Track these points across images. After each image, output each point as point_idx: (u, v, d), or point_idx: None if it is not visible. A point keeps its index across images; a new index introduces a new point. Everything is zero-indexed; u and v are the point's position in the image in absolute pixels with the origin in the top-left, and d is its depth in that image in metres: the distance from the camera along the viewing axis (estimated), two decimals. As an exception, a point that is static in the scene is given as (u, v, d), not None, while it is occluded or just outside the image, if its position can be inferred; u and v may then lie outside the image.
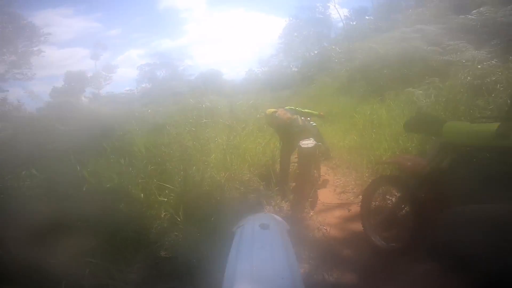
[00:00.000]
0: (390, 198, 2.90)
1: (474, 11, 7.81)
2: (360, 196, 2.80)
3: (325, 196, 3.65)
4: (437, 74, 6.21)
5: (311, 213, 3.22)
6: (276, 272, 0.81)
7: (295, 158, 3.85)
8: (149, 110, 6.22)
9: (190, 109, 5.48)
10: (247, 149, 4.06)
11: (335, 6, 33.80)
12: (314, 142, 3.10)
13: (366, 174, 3.89)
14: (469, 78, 4.63)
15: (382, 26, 12.99)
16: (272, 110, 3.82)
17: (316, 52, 26.78)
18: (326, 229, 2.76)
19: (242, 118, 5.50)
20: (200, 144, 3.69)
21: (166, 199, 2.87)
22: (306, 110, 3.89)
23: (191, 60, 53.37)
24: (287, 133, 3.50)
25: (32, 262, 1.94)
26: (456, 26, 7.85)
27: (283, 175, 3.69)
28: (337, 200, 3.58)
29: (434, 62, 6.65)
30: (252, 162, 3.95)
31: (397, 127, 4.43)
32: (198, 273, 1.97)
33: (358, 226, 2.57)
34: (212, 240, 2.13)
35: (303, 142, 3.09)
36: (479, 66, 5.11)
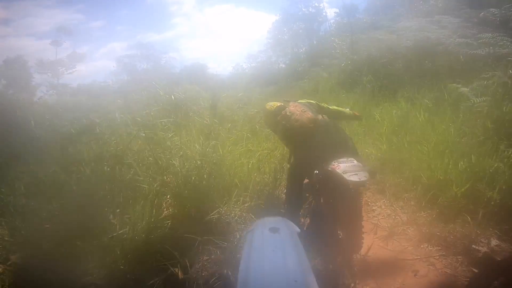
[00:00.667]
0: None
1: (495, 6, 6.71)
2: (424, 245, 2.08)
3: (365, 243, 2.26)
4: (471, 69, 5.07)
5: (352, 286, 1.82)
6: (289, 275, 0.79)
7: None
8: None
9: (152, 102, 3.90)
10: (234, 166, 2.58)
11: (323, 4, 32.81)
12: (364, 168, 1.65)
13: (419, 205, 2.55)
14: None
15: (380, 21, 11.87)
16: (277, 104, 2.35)
17: (304, 48, 25.70)
18: None
19: (228, 115, 3.99)
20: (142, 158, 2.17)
21: None
22: (333, 107, 2.43)
23: (176, 53, 51.34)
24: (307, 143, 2.04)
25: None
26: (478, 20, 6.75)
27: (290, 212, 2.27)
28: (384, 250, 2.20)
29: (464, 56, 5.45)
30: (243, 186, 2.48)
31: (447, 136, 3.14)
32: None
33: None
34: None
35: (345, 169, 1.64)
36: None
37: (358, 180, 1.58)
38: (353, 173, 1.61)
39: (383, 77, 6.83)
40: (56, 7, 48.11)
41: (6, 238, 1.78)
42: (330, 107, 2.39)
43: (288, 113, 2.13)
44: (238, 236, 1.99)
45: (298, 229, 1.14)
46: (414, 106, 4.34)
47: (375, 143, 3.79)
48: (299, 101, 2.32)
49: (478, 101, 3.41)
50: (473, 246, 2.05)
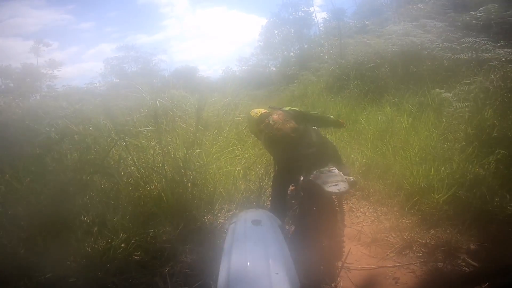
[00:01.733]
0: None
1: (481, 8, 6.91)
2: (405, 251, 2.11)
3: (347, 250, 2.26)
4: (454, 74, 5.19)
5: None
6: (271, 267, 0.79)
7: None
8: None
9: (137, 107, 3.82)
10: (219, 174, 2.54)
11: (313, 9, 33.26)
12: (344, 178, 1.65)
13: (402, 211, 2.57)
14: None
15: (368, 25, 12.06)
16: (261, 111, 2.33)
17: (294, 52, 25.93)
18: None
19: (214, 121, 3.95)
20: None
21: None
22: (317, 115, 2.42)
23: (166, 55, 50.91)
24: (288, 152, 2.03)
25: None
26: (461, 24, 6.92)
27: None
28: (367, 257, 2.20)
29: (447, 60, 5.57)
30: (228, 194, 2.45)
31: (430, 142, 3.19)
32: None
33: None
34: None
35: (325, 179, 1.63)
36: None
37: (337, 191, 1.57)
38: (333, 184, 1.60)
39: (370, 82, 6.93)
40: (45, 7, 47.11)
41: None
42: (313, 114, 2.39)
43: (271, 122, 2.11)
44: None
45: (280, 222, 1.17)
46: (399, 111, 4.41)
47: (360, 149, 3.82)
48: (283, 108, 2.31)
49: (460, 106, 3.48)
50: (453, 252, 2.08)
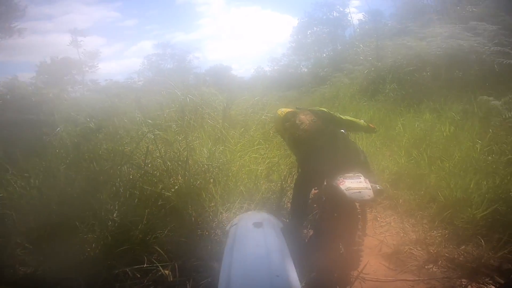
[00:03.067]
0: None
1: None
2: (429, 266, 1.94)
3: (365, 260, 2.13)
4: (505, 80, 4.70)
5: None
6: (272, 269, 0.79)
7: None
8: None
9: (169, 103, 3.95)
10: (241, 172, 2.54)
11: (349, 9, 32.20)
12: (370, 186, 1.54)
13: (432, 224, 2.38)
14: None
15: (408, 27, 11.36)
16: (288, 110, 2.26)
17: (327, 53, 25.32)
18: None
19: (242, 119, 3.96)
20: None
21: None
22: (347, 118, 2.30)
23: (201, 53, 52.67)
24: (313, 156, 1.95)
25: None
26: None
27: (294, 222, 2.19)
28: (385, 268, 2.06)
29: (499, 66, 5.07)
30: (249, 193, 2.43)
31: (473, 153, 2.91)
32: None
33: None
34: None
35: (349, 185, 1.54)
36: None
37: (360, 199, 1.48)
38: (357, 191, 1.51)
39: (408, 86, 6.52)
40: (96, 4, 50.89)
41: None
42: (343, 117, 2.27)
43: (297, 122, 2.04)
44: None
45: (281, 224, 1.15)
46: (440, 119, 4.09)
47: (392, 156, 3.59)
48: (311, 108, 2.23)
49: (510, 116, 3.15)
50: (482, 269, 1.88)
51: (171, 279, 1.63)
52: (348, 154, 1.93)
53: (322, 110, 2.20)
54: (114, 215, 1.82)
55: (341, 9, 27.51)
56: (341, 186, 1.59)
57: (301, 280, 0.79)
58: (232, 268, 0.81)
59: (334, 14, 27.95)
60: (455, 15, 8.83)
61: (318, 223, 2.22)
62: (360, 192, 1.50)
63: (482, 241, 2.08)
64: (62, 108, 4.62)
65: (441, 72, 5.82)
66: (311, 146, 1.94)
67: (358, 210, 1.73)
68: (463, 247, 2.12)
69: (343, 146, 1.95)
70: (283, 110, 2.28)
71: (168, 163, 2.51)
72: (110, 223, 1.75)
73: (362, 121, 2.35)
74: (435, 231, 2.36)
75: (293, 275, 0.80)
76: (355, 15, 54.12)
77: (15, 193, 2.04)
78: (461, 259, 2.03)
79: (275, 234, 1.01)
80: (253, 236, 0.98)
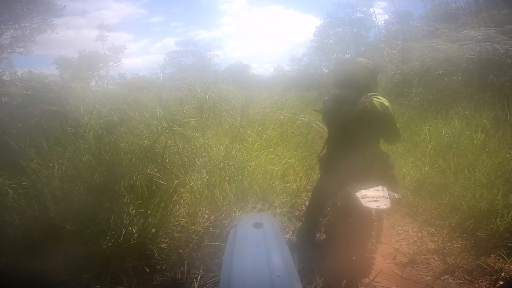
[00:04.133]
0: None
1: None
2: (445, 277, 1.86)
3: (377, 268, 2.04)
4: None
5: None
6: (272, 270, 0.79)
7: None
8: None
9: (189, 99, 4.00)
10: (257, 172, 2.51)
11: (373, 10, 31.18)
12: (387, 195, 1.46)
13: (452, 235, 2.25)
14: None
15: (438, 29, 10.80)
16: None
17: (351, 53, 24.69)
18: None
19: (259, 118, 3.93)
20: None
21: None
22: (399, 126, 2.07)
23: (221, 51, 53.24)
24: (342, 148, 1.78)
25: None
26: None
27: (307, 225, 2.13)
28: (398, 278, 1.97)
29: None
30: (263, 194, 2.41)
31: (504, 164, 2.72)
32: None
33: None
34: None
35: (366, 193, 1.45)
36: None
37: (376, 207, 1.41)
38: (373, 199, 1.45)
39: (436, 91, 6.22)
40: (124, 1, 52.65)
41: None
42: (398, 124, 2.11)
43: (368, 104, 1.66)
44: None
45: (281, 225, 1.15)
46: (469, 126, 3.85)
47: (415, 163, 3.44)
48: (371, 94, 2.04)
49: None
50: (501, 283, 1.75)
51: (179, 276, 1.64)
52: (375, 162, 1.82)
53: (382, 102, 1.73)
54: (130, 208, 1.85)
55: (365, 9, 26.75)
56: (356, 194, 1.53)
57: (302, 281, 0.76)
58: (232, 269, 0.82)
59: (358, 15, 27.21)
60: (489, 19, 8.33)
61: (331, 228, 2.16)
62: (376, 200, 1.44)
63: (504, 253, 1.97)
64: (88, 101, 4.81)
65: (473, 77, 5.50)
66: (348, 133, 1.76)
67: (374, 218, 1.66)
68: (483, 259, 2.00)
69: (373, 153, 1.83)
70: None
71: (185, 159, 2.53)
72: (125, 215, 1.78)
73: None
74: (454, 242, 2.24)
75: (294, 276, 0.80)
76: (381, 16, 52.49)
77: (38, 181, 2.13)
78: (479, 271, 1.92)
79: (275, 234, 1.02)
80: (253, 237, 0.98)
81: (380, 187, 1.54)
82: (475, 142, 3.30)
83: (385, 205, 1.42)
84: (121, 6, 52.77)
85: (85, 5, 52.21)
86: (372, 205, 1.43)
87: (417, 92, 6.51)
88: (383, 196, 1.47)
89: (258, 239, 0.97)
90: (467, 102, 4.89)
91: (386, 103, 1.74)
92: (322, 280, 1.76)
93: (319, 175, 2.15)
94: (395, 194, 1.59)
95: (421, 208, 2.74)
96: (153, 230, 1.74)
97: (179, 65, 30.34)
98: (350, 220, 1.77)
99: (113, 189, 1.94)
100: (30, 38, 11.03)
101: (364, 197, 1.47)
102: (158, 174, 2.22)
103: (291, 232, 2.22)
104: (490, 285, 1.79)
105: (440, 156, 3.36)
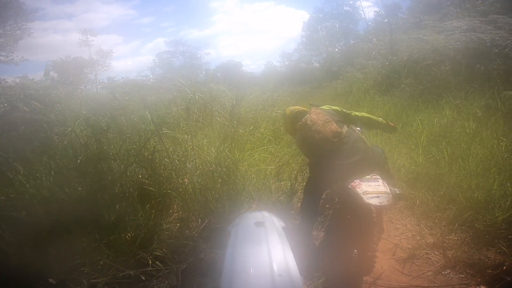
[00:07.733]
0: None
1: None
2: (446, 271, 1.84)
3: (378, 265, 2.02)
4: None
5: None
6: (274, 269, 0.79)
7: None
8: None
9: (179, 101, 3.90)
10: (250, 172, 2.45)
11: (360, 3, 31.42)
12: (389, 190, 1.43)
13: (451, 227, 2.24)
14: None
15: (424, 20, 10.86)
16: (298, 108, 2.16)
17: (341, 47, 24.81)
18: None
19: (251, 117, 3.88)
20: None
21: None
22: (363, 115, 2.16)
23: (214, 49, 52.85)
24: (327, 161, 1.83)
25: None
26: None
27: (304, 224, 2.09)
28: (399, 273, 1.94)
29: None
30: (258, 194, 2.36)
31: (497, 152, 2.72)
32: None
33: None
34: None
35: (366, 189, 1.43)
36: None
37: (379, 204, 1.38)
38: (375, 196, 1.41)
39: (426, 81, 6.25)
40: (114, 2, 51.58)
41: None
42: (358, 114, 2.14)
43: (308, 122, 1.93)
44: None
45: (283, 223, 1.15)
46: (461, 115, 3.87)
47: (410, 154, 3.43)
48: (322, 107, 2.11)
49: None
50: (503, 276, 1.74)
51: (176, 283, 1.58)
52: (366, 156, 1.80)
53: (334, 108, 2.07)
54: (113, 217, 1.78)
55: (351, 3, 26.88)
56: (357, 189, 1.48)
57: (305, 281, 0.69)
58: (234, 268, 0.81)
59: (346, 9, 27.34)
60: (473, 9, 8.43)
61: (329, 225, 2.12)
62: (378, 196, 1.40)
63: (505, 246, 1.95)
64: (74, 107, 4.66)
65: (461, 66, 5.53)
66: (325, 150, 1.83)
67: (374, 214, 1.62)
68: (483, 252, 1.99)
69: (361, 147, 1.81)
70: (293, 109, 2.18)
71: (177, 162, 2.46)
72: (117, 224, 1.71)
73: (380, 119, 2.21)
74: (453, 235, 2.22)
75: (296, 275, 0.79)
76: (371, 9, 52.80)
77: (26, 193, 2.05)
78: (481, 264, 1.90)
79: (277, 233, 0.99)
80: (254, 236, 0.97)
81: (380, 181, 1.51)
82: (467, 131, 3.30)
83: (388, 201, 1.39)
84: (110, 8, 51.83)
85: (72, 8, 51.02)
86: (375, 201, 1.39)
87: (407, 83, 6.54)
88: (384, 191, 1.44)
89: (260, 238, 0.95)
90: (456, 91, 4.92)
91: (335, 107, 2.10)
92: (324, 279, 1.72)
93: (310, 171, 2.11)
94: (396, 190, 1.56)
95: (418, 201, 2.72)
96: (145, 237, 1.68)
97: (169, 66, 29.99)
98: (348, 216, 1.74)
99: (102, 198, 1.86)
100: (9, 45, 10.69)
101: (366, 193, 1.43)
102: (147, 181, 2.14)
103: (289, 230, 2.18)
104: (492, 279, 1.77)
105: (433, 146, 3.36)
